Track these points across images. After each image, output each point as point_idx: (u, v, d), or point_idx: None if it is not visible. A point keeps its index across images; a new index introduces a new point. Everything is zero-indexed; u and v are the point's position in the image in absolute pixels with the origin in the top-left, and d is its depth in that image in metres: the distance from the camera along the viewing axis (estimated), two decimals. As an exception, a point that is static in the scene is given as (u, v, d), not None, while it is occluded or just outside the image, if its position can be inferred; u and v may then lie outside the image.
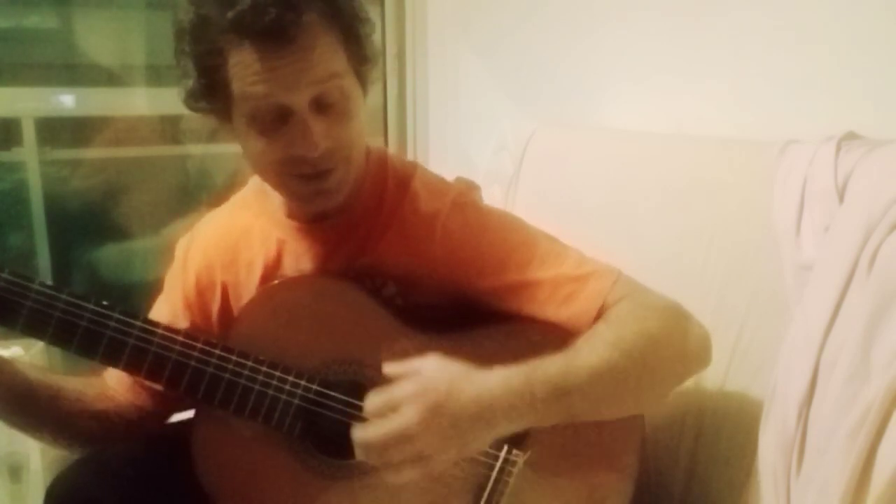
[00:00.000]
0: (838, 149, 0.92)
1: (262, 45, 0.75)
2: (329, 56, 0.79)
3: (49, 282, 0.80)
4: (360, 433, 0.72)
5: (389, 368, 0.76)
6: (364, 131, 0.88)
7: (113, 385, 0.94)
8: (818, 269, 0.88)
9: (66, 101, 2.00)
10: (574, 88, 1.48)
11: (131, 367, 0.82)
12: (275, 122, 0.80)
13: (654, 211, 1.14)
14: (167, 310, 0.97)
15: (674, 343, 0.85)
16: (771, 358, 0.93)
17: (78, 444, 0.90)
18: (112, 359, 0.81)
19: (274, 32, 0.74)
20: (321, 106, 0.80)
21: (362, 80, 0.86)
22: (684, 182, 1.12)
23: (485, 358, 0.89)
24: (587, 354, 0.79)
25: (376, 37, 0.89)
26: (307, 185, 0.84)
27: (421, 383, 0.73)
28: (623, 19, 1.35)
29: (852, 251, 0.82)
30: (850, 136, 0.94)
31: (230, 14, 0.74)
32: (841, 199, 0.89)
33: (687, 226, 1.09)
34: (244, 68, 0.76)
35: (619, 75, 1.38)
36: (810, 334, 0.85)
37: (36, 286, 0.78)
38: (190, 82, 0.81)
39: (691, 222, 1.08)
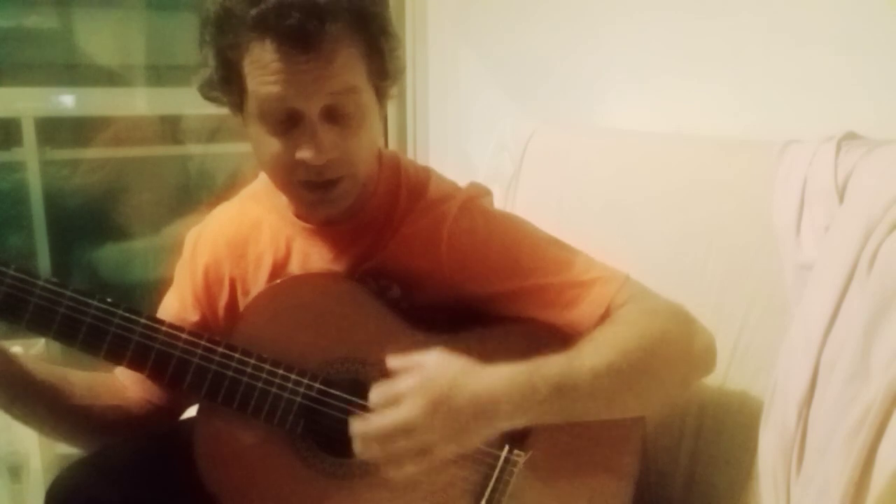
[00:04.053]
0: (838, 149, 0.92)
1: (282, 47, 0.75)
2: (348, 68, 0.78)
3: (50, 281, 0.80)
4: (361, 425, 0.72)
5: (393, 362, 0.77)
6: (376, 143, 0.88)
7: (124, 381, 0.94)
8: (818, 269, 0.88)
9: (66, 101, 2.00)
10: (574, 88, 1.48)
11: (134, 364, 0.83)
12: (284, 123, 0.79)
13: (654, 211, 1.14)
14: (177, 302, 0.97)
15: (678, 345, 0.85)
16: (771, 358, 0.93)
17: (85, 439, 0.90)
18: (116, 355, 0.81)
19: (295, 36, 0.74)
20: (333, 116, 0.80)
21: (381, 95, 0.85)
22: (684, 182, 1.12)
23: (487, 357, 0.89)
24: (590, 354, 0.79)
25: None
26: (311, 192, 0.84)
27: (424, 376, 0.73)
28: (623, 19, 1.35)
29: (852, 251, 0.83)
30: (850, 136, 0.94)
31: (254, 11, 0.74)
32: (841, 199, 0.89)
33: (687, 226, 1.09)
34: (261, 67, 0.76)
35: (619, 75, 1.38)
36: (810, 334, 0.85)
37: (41, 282, 0.78)
38: (208, 71, 0.81)
39: (691, 222, 1.08)
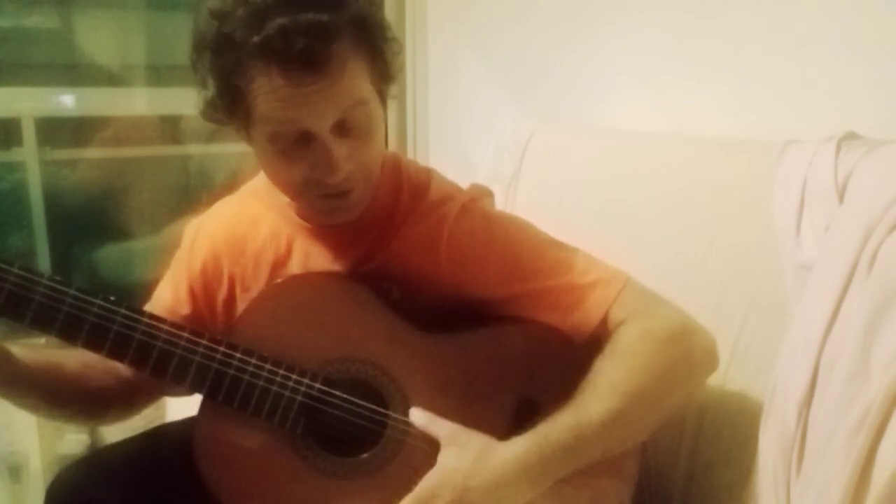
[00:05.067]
0: (838, 149, 0.92)
1: (289, 72, 0.73)
2: (356, 82, 0.77)
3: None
4: None
5: (418, 420, 0.83)
6: (382, 145, 0.87)
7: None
8: (818, 269, 0.88)
9: (66, 101, 2.00)
10: (574, 88, 1.48)
11: (137, 362, 0.82)
12: (296, 144, 0.78)
13: (654, 211, 1.14)
14: (170, 295, 0.96)
15: (680, 368, 0.86)
16: (771, 358, 0.93)
17: (77, 419, 0.91)
18: (118, 353, 0.81)
19: (302, 60, 0.72)
20: (344, 130, 0.79)
21: (383, 98, 0.85)
22: (684, 182, 1.12)
23: (488, 357, 0.89)
24: (595, 403, 0.80)
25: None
26: (325, 201, 0.84)
27: (439, 480, 0.77)
28: (623, 19, 1.35)
29: (852, 251, 0.83)
30: (850, 136, 0.94)
31: (256, 38, 0.72)
32: (841, 199, 0.89)
33: (687, 226, 1.09)
34: (268, 93, 0.75)
35: (619, 75, 1.38)
36: (810, 334, 0.85)
37: (45, 281, 0.79)
38: (208, 95, 0.79)
39: (691, 222, 1.08)
